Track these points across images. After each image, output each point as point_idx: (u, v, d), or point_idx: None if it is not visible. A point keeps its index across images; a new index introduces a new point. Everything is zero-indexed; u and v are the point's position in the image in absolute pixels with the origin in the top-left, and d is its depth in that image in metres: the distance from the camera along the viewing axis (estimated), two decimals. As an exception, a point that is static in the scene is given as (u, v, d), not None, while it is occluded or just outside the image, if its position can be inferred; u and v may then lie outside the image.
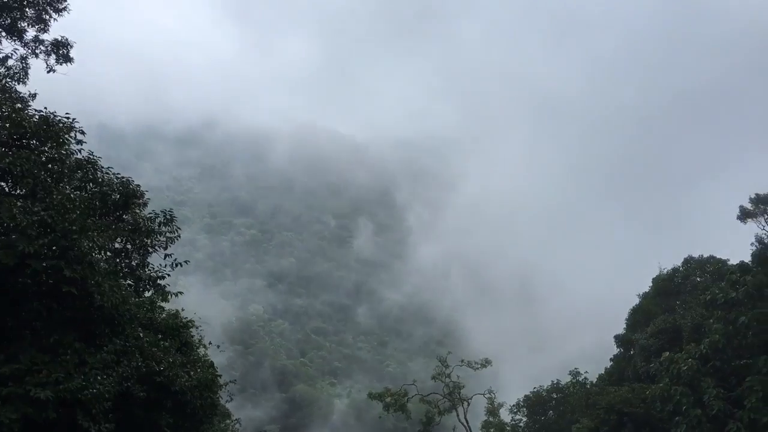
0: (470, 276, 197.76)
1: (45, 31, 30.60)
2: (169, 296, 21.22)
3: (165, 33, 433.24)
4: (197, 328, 27.92)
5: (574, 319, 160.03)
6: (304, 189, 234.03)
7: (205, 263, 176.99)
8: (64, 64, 31.11)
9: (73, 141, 19.68)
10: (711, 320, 32.37)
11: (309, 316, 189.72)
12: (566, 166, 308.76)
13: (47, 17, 31.08)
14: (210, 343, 30.12)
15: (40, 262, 16.15)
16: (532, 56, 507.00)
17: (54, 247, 16.35)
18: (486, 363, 49.19)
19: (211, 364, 26.31)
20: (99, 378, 16.98)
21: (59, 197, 17.11)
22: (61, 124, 19.18)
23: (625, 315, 49.99)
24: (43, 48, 30.51)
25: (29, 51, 30.49)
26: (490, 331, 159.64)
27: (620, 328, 50.58)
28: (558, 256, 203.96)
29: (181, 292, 21.53)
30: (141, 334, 20.47)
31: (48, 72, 30.74)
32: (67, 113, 19.50)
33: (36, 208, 16.41)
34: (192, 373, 23.41)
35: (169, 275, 20.56)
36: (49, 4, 31.36)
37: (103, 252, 17.94)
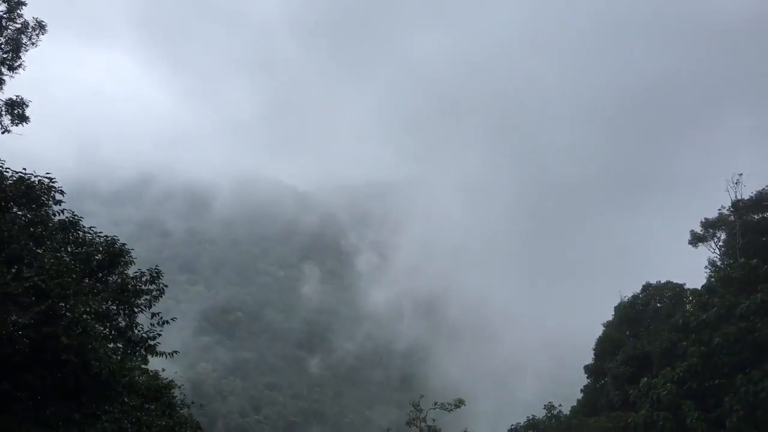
0: (424, 316, 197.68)
1: (-1, 90, 29.76)
2: (166, 356, 20.34)
3: (93, 87, 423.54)
4: (179, 387, 26.91)
5: (531, 351, 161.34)
6: (248, 240, 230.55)
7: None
8: (19, 125, 30.19)
9: (51, 202, 18.97)
10: (684, 343, 33.18)
11: (260, 371, 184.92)
12: (515, 194, 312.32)
13: (1, 76, 30.31)
14: (193, 403, 29.02)
15: (37, 330, 15.32)
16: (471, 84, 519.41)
17: (50, 314, 15.54)
18: (459, 403, 48.40)
19: (198, 425, 25.31)
20: (99, 450, 16.12)
21: (51, 261, 16.34)
22: (40, 185, 18.47)
23: (582, 344, 50.78)
24: (-6, 108, 29.57)
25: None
26: (449, 371, 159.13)
27: (576, 357, 51.11)
28: (510, 288, 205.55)
29: (176, 351, 20.73)
30: (126, 399, 19.57)
31: (2, 133, 29.73)
32: (47, 173, 18.82)
33: (28, 274, 15.59)
34: (182, 436, 22.47)
35: (160, 335, 19.75)
36: (2, 63, 30.56)
37: (95, 316, 17.12)
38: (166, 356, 20.45)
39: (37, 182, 18.33)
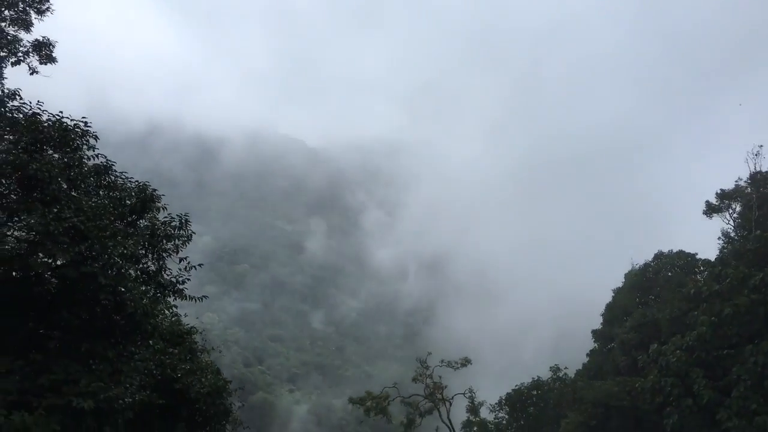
0: (429, 275, 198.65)
1: (27, 31, 29.85)
2: (195, 300, 20.79)
3: (106, 35, 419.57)
4: (200, 333, 27.51)
5: (536, 314, 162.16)
6: (256, 194, 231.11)
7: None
8: (47, 64, 30.37)
9: (86, 146, 19.12)
10: (695, 312, 33.54)
11: (265, 323, 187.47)
12: (526, 158, 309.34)
13: (29, 18, 30.39)
14: (213, 348, 29.68)
15: (75, 270, 15.68)
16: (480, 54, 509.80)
17: (88, 254, 15.88)
18: (466, 362, 49.52)
19: (218, 371, 25.93)
20: (131, 387, 16.66)
21: (89, 203, 16.62)
22: (76, 128, 18.62)
23: (588, 309, 51.27)
24: (21, 49, 29.67)
25: (7, 52, 29.64)
26: (452, 330, 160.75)
27: (581, 321, 51.52)
28: (517, 250, 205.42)
29: (206, 296, 21.12)
30: (151, 342, 20.07)
31: (31, 74, 29.93)
32: (83, 117, 18.92)
33: (68, 215, 15.87)
34: (203, 380, 23.07)
35: (189, 279, 20.12)
36: (31, 5, 30.58)
37: (128, 258, 17.45)
38: (195, 300, 20.89)
39: (72, 126, 18.45)
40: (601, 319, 51.47)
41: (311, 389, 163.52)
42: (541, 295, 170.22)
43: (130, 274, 17.34)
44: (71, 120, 18.57)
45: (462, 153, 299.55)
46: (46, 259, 16.17)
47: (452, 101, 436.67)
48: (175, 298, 20.18)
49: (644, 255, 53.20)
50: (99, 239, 16.09)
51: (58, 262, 16.12)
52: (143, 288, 18.18)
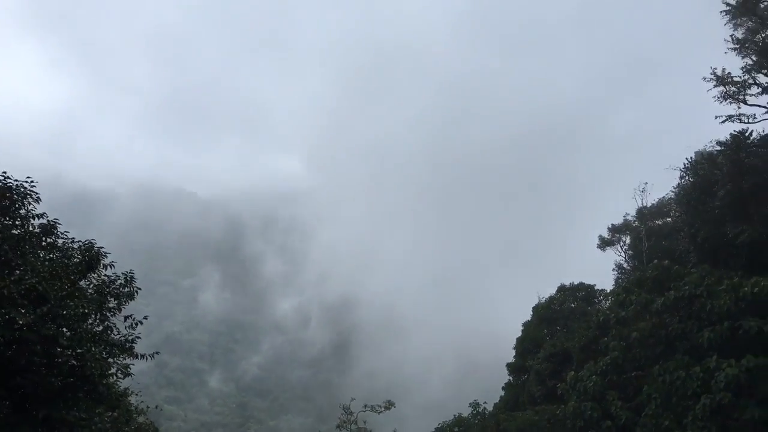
0: (334, 321, 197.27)
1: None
2: (146, 358, 20.39)
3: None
4: (136, 395, 26.70)
5: (440, 352, 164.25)
6: (147, 250, 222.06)
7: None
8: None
9: (29, 206, 18.71)
10: (605, 339, 36.16)
11: (159, 385, 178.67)
12: (425, 193, 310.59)
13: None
14: (148, 408, 28.76)
15: (35, 332, 15.25)
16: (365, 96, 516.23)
17: (48, 316, 15.51)
18: (390, 405, 49.85)
19: (157, 430, 25.27)
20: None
21: (46, 264, 16.29)
22: (21, 189, 18.22)
23: (492, 343, 53.60)
24: None
25: None
26: (359, 376, 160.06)
27: (486, 356, 53.43)
28: (422, 287, 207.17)
29: (157, 352, 20.79)
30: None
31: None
32: (28, 177, 18.55)
33: (26, 277, 15.48)
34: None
35: (140, 338, 19.81)
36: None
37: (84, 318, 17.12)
38: (146, 358, 20.52)
39: (15, 186, 18.01)
40: (512, 352, 53.87)
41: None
42: (445, 334, 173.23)
43: (87, 334, 16.98)
44: (15, 180, 18.16)
45: (359, 197, 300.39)
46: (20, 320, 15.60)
47: (347, 142, 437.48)
48: (125, 357, 19.78)
49: (549, 288, 56.58)
50: (58, 300, 15.78)
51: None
52: (94, 349, 17.77)
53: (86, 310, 16.60)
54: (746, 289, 30.46)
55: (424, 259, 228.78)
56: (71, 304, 15.77)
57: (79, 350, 16.24)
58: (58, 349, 15.55)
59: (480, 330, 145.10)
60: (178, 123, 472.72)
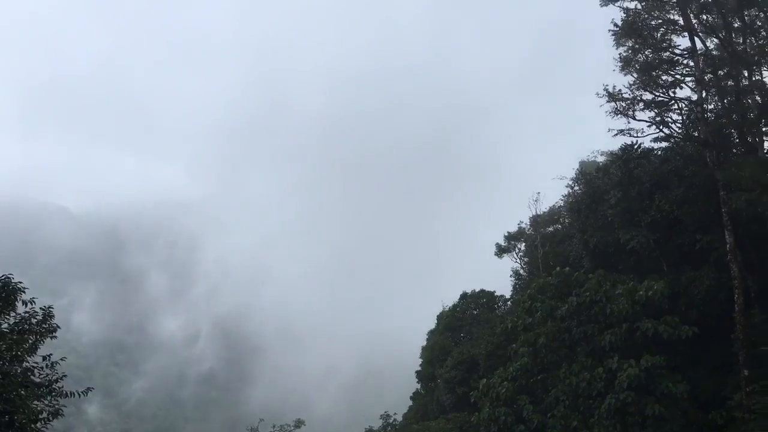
0: (224, 338, 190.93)
1: None
2: (79, 396, 18.93)
3: None
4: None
5: (338, 362, 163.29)
6: (13, 272, 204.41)
7: None
8: None
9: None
10: (513, 345, 37.67)
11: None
12: (321, 205, 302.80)
13: None
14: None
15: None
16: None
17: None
18: (300, 423, 49.16)
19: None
20: None
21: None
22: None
23: (392, 352, 54.44)
24: None
25: None
26: (254, 392, 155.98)
27: (382, 362, 54.06)
28: (314, 302, 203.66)
29: (91, 388, 19.33)
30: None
31: None
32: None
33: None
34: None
35: (65, 376, 18.36)
36: None
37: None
38: (79, 396, 19.07)
39: None
40: (413, 359, 54.91)
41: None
42: (343, 339, 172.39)
43: (16, 378, 15.53)
44: None
45: (249, 204, 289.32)
46: None
47: (236, 149, 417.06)
48: (52, 398, 18.27)
49: (443, 294, 58.08)
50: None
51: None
52: (23, 393, 16.29)
53: (17, 352, 15.13)
54: (641, 293, 32.97)
55: (321, 267, 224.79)
56: (3, 346, 14.33)
57: (7, 396, 14.80)
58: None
59: (379, 338, 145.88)
60: (46, 124, 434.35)
